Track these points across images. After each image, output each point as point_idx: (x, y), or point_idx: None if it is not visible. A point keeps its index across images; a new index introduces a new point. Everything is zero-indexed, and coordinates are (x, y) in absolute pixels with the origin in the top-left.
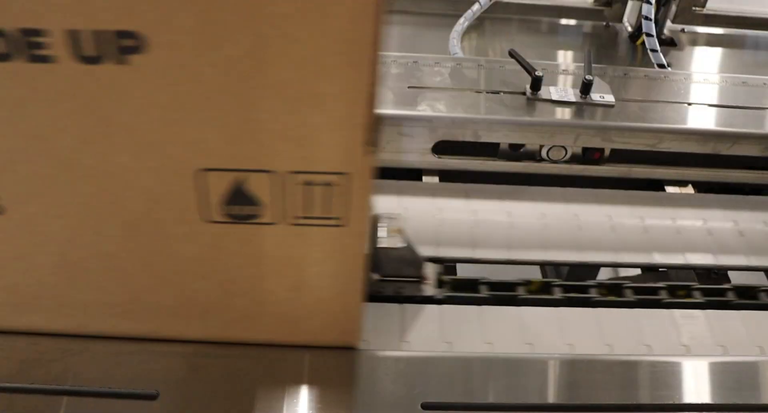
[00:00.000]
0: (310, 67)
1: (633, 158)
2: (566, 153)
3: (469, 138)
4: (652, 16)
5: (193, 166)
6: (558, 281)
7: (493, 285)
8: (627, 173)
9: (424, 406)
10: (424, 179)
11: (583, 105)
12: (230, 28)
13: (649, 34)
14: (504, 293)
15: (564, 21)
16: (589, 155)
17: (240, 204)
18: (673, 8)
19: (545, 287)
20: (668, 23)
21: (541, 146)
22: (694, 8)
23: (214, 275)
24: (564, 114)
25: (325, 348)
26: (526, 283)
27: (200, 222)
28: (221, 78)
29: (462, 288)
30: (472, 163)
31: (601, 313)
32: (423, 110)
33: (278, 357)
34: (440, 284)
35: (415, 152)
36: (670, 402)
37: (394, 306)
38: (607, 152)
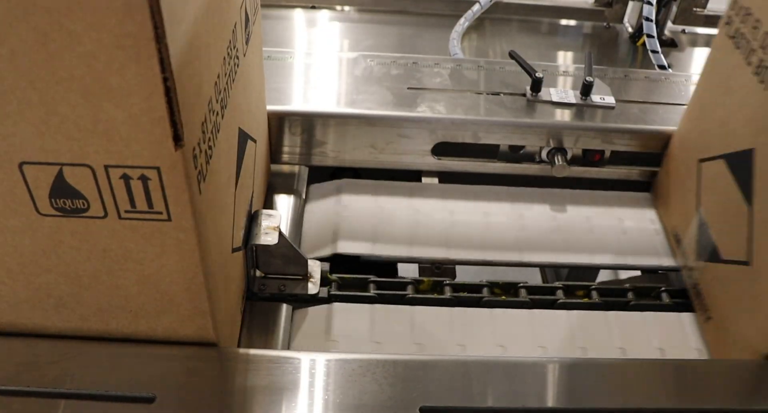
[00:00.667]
0: (95, 62)
1: (634, 160)
2: (567, 155)
3: (468, 140)
4: (653, 17)
5: (16, 159)
6: (449, 281)
7: (381, 284)
8: (627, 175)
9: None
10: (424, 180)
11: (583, 107)
12: (9, 22)
13: (649, 36)
14: (392, 293)
15: (564, 22)
16: (590, 157)
17: (65, 197)
18: (674, 9)
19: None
20: (669, 24)
21: (541, 148)
22: (694, 9)
23: (58, 269)
24: (564, 116)
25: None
26: (417, 282)
27: (35, 215)
28: (16, 72)
29: (350, 287)
30: (472, 164)
31: (496, 313)
32: (422, 111)
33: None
34: (327, 282)
35: (415, 153)
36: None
37: (275, 304)
38: (607, 154)
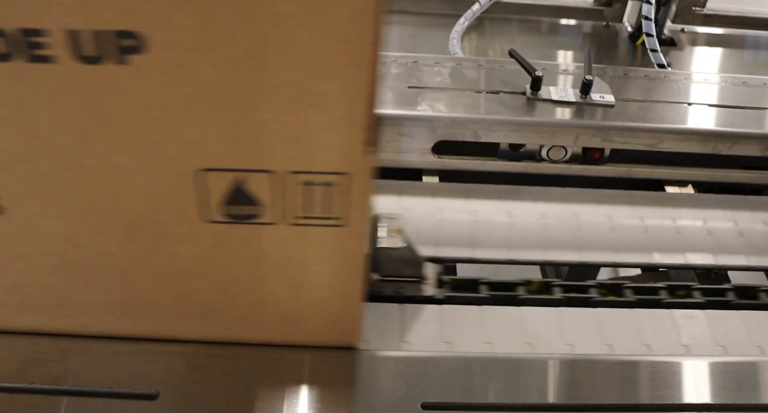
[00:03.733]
0: (310, 67)
1: (633, 158)
2: (566, 153)
3: (469, 138)
4: (652, 16)
5: (193, 166)
6: (558, 281)
7: (493, 285)
8: (627, 173)
9: (425, 406)
10: (424, 179)
11: (583, 105)
12: (229, 27)
13: (649, 34)
14: (504, 293)
15: (564, 21)
16: (589, 155)
17: (240, 204)
18: (673, 8)
19: (545, 287)
20: (668, 23)
21: (541, 146)
22: (694, 8)
23: (213, 276)
24: (564, 114)
25: (325, 347)
26: (526, 283)
27: (200, 222)
28: (221, 78)
29: (462, 288)
30: (472, 163)
31: (602, 313)
32: (423, 109)
33: (278, 356)
34: (440, 284)
35: (415, 152)
36: (670, 402)
37: (394, 306)
38: (607, 152)
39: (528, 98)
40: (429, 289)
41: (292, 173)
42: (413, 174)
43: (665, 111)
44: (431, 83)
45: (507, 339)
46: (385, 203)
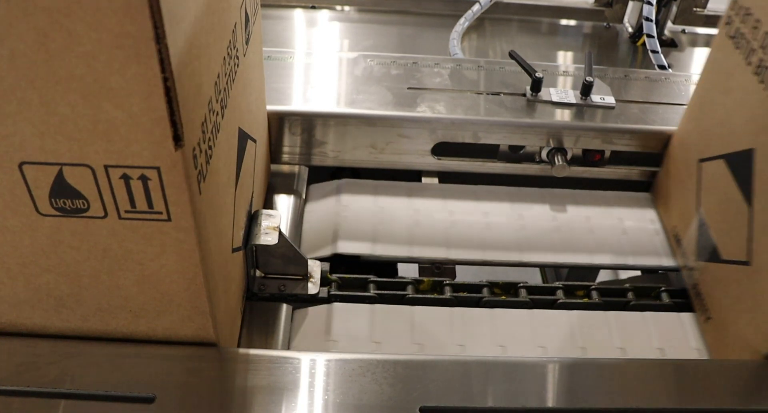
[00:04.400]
0: (97, 62)
1: (633, 160)
2: (567, 154)
3: (468, 140)
4: (653, 17)
5: (15, 159)
6: (449, 281)
7: (381, 284)
8: (627, 175)
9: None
10: (424, 180)
11: (583, 107)
12: (9, 21)
13: (649, 36)
14: (392, 293)
15: (564, 22)
16: (590, 157)
17: (65, 197)
18: (674, 9)
19: (436, 287)
20: (669, 24)
21: (541, 148)
22: (694, 9)
23: (58, 269)
24: (564, 116)
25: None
26: (416, 282)
27: (35, 215)
28: (14, 72)
29: (350, 287)
30: (472, 164)
31: (496, 313)
32: (422, 111)
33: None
34: (326, 282)
35: (415, 153)
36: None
37: (275, 304)
38: (607, 154)
39: (528, 100)
40: (313, 287)
41: (108, 167)
42: (413, 176)
43: (666, 113)
44: (431, 84)
45: (399, 338)
46: (385, 203)
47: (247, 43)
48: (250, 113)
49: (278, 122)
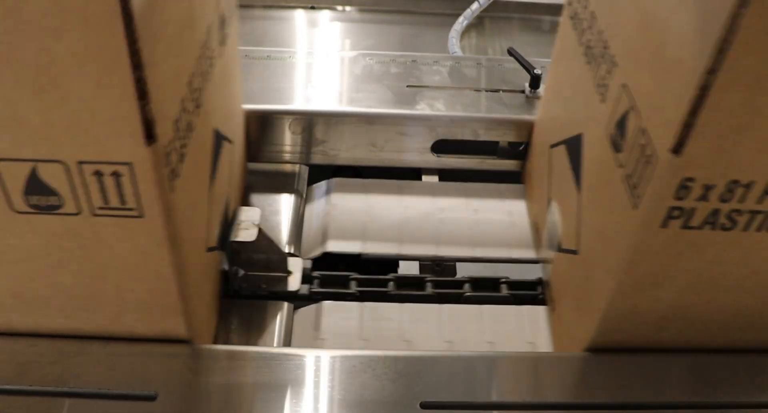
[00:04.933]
0: (67, 60)
1: None
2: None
3: (468, 137)
4: None
5: None
6: (431, 277)
7: (362, 281)
8: None
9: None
10: (424, 178)
11: None
12: None
13: None
14: (374, 289)
15: None
16: None
17: (39, 194)
18: None
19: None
20: None
21: None
22: None
23: (33, 267)
24: None
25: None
26: (398, 279)
27: (10, 213)
28: None
29: (332, 284)
30: (472, 161)
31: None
32: (422, 108)
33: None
34: (308, 279)
35: (414, 151)
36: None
37: (255, 302)
38: None
39: (527, 97)
40: (294, 284)
41: (81, 163)
42: (413, 173)
43: None
44: (430, 82)
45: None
46: (375, 201)
47: (222, 44)
48: (226, 114)
49: (279, 121)
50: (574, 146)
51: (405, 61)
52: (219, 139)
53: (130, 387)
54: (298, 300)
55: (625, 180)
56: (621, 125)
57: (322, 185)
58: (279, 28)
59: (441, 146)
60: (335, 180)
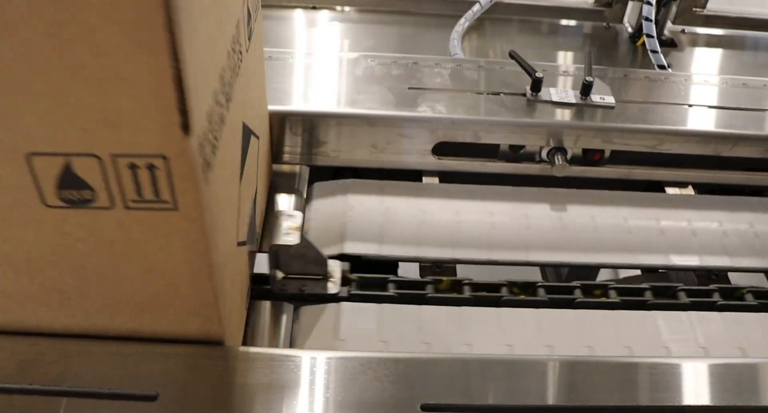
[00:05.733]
0: (109, 51)
1: (633, 160)
2: (567, 154)
3: (469, 139)
4: (653, 17)
5: (22, 150)
6: (468, 280)
7: (401, 284)
8: (627, 174)
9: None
10: (425, 180)
11: (583, 106)
12: (21, 11)
13: (649, 35)
14: (412, 292)
15: (564, 22)
16: (590, 157)
17: (72, 188)
18: (674, 9)
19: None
20: (669, 24)
21: (541, 148)
22: (694, 9)
23: (63, 262)
24: (564, 115)
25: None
26: (436, 282)
27: (40, 207)
28: (27, 63)
29: (369, 286)
30: (472, 164)
31: (503, 313)
32: (423, 111)
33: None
34: (347, 282)
35: (415, 153)
36: (670, 404)
37: (279, 303)
38: (607, 154)
39: (528, 100)
40: (333, 287)
41: (115, 156)
42: (413, 175)
43: (666, 112)
44: (431, 84)
45: (407, 337)
46: (391, 203)
47: (249, 39)
48: (253, 109)
49: (280, 121)
50: None
51: (406, 63)
52: (247, 133)
53: (131, 387)
54: (337, 303)
55: None
56: None
57: (329, 184)
58: (280, 28)
59: (442, 149)
60: (351, 181)
